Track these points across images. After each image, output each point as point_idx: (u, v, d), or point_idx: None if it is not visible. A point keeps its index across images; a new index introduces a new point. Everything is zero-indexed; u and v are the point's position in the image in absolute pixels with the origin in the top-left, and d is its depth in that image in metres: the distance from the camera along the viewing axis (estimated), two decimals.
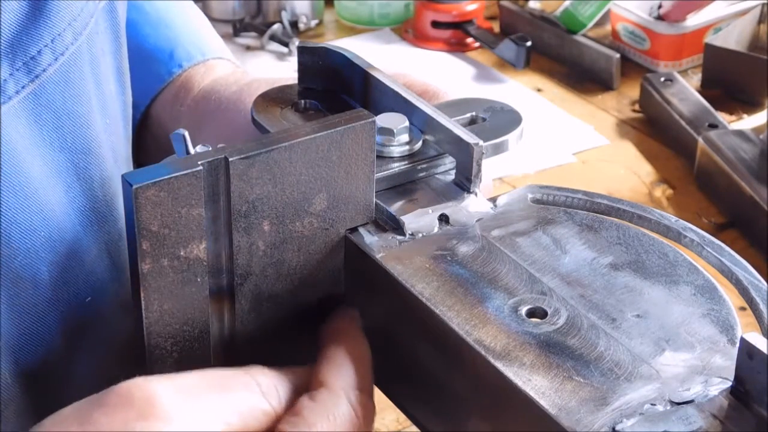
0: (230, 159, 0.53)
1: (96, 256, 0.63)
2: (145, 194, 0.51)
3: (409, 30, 1.67)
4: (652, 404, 0.49)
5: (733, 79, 1.46)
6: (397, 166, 0.62)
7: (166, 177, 0.52)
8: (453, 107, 0.66)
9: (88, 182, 0.63)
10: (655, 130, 1.42)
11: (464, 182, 0.62)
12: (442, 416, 0.57)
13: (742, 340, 0.47)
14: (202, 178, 0.53)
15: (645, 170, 1.34)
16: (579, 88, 1.52)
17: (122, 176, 0.52)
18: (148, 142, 0.79)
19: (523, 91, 1.51)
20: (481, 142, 0.61)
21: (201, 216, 0.53)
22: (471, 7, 1.63)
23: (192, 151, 0.57)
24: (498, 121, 0.67)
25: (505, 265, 0.57)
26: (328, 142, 0.56)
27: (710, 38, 1.52)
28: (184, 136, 0.58)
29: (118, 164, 0.67)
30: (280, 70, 1.53)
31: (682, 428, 0.48)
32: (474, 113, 0.67)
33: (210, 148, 0.56)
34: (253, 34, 1.71)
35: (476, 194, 0.62)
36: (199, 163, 0.53)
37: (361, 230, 0.59)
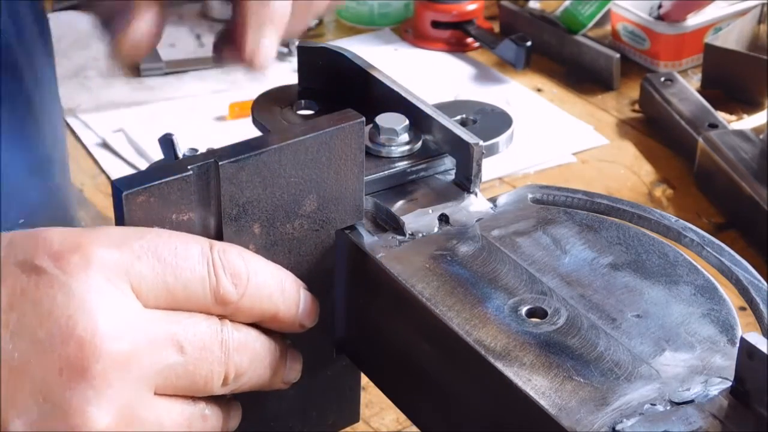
0: (220, 163, 0.53)
1: (25, 177, 0.64)
2: (135, 200, 0.51)
3: (408, 30, 1.66)
4: (652, 404, 0.49)
5: (733, 79, 1.46)
6: (397, 166, 0.62)
7: (156, 183, 0.52)
8: (444, 109, 0.66)
9: None
10: (655, 130, 1.42)
11: (464, 182, 0.62)
12: (442, 416, 0.57)
13: (742, 340, 0.47)
14: (192, 182, 0.53)
15: (645, 170, 1.34)
16: (579, 88, 1.52)
17: (112, 182, 0.52)
18: None
19: (523, 91, 1.51)
20: (481, 142, 0.61)
21: (191, 220, 0.53)
22: (471, 7, 1.63)
23: (180, 155, 0.57)
24: (488, 123, 0.67)
25: (505, 265, 0.57)
26: (318, 143, 0.56)
27: (710, 38, 1.52)
28: (172, 140, 0.58)
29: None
30: (280, 70, 1.53)
31: (682, 428, 0.48)
32: (464, 115, 0.68)
33: (198, 151, 0.56)
34: None
35: (476, 194, 0.62)
36: (189, 167, 0.53)
37: (361, 230, 0.59)
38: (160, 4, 0.59)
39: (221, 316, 0.52)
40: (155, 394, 0.50)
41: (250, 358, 0.53)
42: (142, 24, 0.58)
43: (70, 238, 0.49)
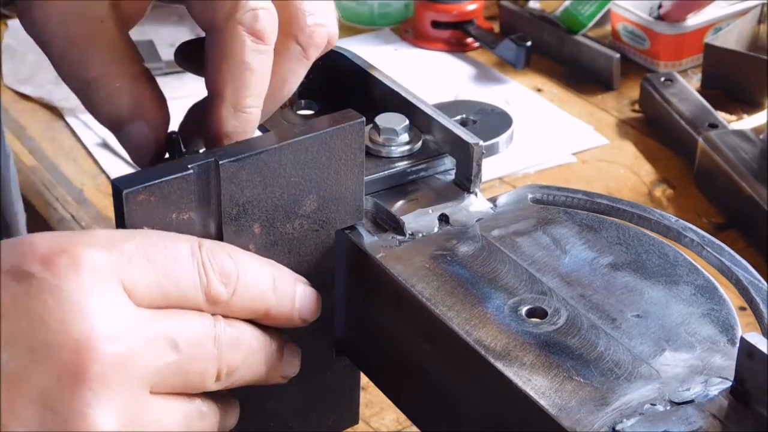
0: (220, 162, 0.53)
1: None
2: (135, 199, 0.51)
3: (408, 30, 1.66)
4: (652, 404, 0.49)
5: (733, 79, 1.46)
6: (397, 166, 0.62)
7: (156, 181, 0.51)
8: (444, 109, 0.66)
9: None
10: (655, 130, 1.42)
11: (464, 182, 0.62)
12: (442, 416, 0.57)
13: (742, 340, 0.47)
14: (192, 181, 0.53)
15: (645, 170, 1.34)
16: (579, 88, 1.52)
17: (112, 181, 0.52)
18: None
19: (523, 91, 1.51)
20: (480, 142, 0.61)
21: (191, 220, 0.53)
22: (471, 7, 1.63)
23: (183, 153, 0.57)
24: (489, 123, 0.67)
25: (505, 265, 0.57)
26: (318, 143, 0.56)
27: (710, 38, 1.52)
28: (177, 138, 0.58)
29: None
30: None
31: (682, 428, 0.48)
32: (464, 115, 0.68)
33: (200, 150, 0.56)
34: None
35: (476, 194, 0.62)
36: (189, 166, 0.53)
37: (361, 230, 0.59)
38: (164, 105, 0.59)
39: (213, 315, 0.52)
40: (151, 393, 0.49)
41: (243, 353, 0.53)
42: (153, 140, 0.57)
43: (56, 241, 0.48)
